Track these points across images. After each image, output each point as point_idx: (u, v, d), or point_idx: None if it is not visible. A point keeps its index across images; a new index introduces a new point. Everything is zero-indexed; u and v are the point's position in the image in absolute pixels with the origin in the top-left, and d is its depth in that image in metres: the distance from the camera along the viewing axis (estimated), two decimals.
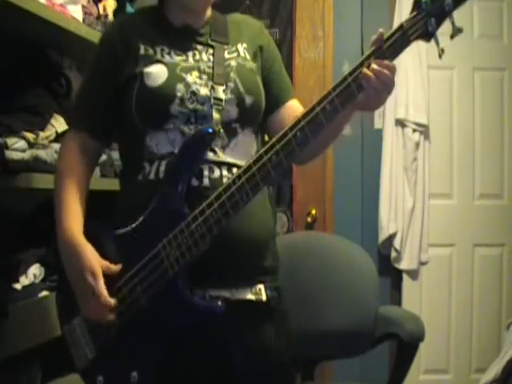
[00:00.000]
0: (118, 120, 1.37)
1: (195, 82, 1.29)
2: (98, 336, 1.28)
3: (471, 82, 3.17)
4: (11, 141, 1.53)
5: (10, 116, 1.63)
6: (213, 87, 1.29)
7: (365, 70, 1.17)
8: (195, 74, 1.31)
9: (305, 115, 1.19)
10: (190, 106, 1.28)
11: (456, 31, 1.18)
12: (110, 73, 1.35)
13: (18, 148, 1.54)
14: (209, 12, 1.43)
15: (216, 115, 1.28)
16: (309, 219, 3.04)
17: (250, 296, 1.30)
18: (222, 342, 1.27)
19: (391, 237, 3.02)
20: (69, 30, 1.78)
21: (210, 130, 1.24)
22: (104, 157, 2.06)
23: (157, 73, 1.29)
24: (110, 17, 2.17)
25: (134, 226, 1.26)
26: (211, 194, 1.21)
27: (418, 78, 3.02)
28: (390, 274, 3.11)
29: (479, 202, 3.20)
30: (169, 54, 1.33)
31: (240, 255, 1.27)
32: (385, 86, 1.18)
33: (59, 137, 1.78)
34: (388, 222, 3.01)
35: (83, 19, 1.97)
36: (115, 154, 2.12)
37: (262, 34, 1.47)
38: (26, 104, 1.72)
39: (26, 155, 1.56)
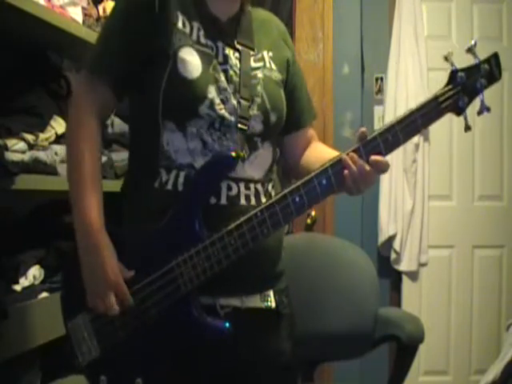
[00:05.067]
0: (135, 100, 1.30)
1: (226, 89, 1.25)
2: (105, 336, 1.26)
3: None
4: (11, 142, 1.53)
5: (10, 117, 1.63)
6: (239, 101, 1.26)
7: (346, 157, 1.22)
8: (224, 77, 1.26)
9: (333, 165, 1.21)
10: (219, 112, 1.24)
11: (484, 108, 1.23)
12: (142, 31, 1.24)
13: (17, 149, 1.54)
14: (236, 7, 1.35)
15: (240, 134, 1.26)
16: (308, 221, 3.04)
17: (260, 304, 1.30)
18: (232, 351, 1.26)
19: (391, 238, 3.02)
20: (69, 31, 1.77)
21: (235, 156, 1.21)
22: (104, 158, 2.06)
23: (191, 63, 1.22)
24: None
25: (149, 234, 1.23)
26: (228, 212, 1.21)
27: (417, 79, 3.02)
28: (390, 276, 3.11)
29: (479, 204, 3.21)
30: (204, 38, 1.26)
31: (252, 265, 1.25)
32: (364, 179, 1.22)
33: (59, 138, 1.78)
34: (388, 224, 3.02)
35: (83, 21, 1.97)
36: (115, 156, 2.12)
37: (286, 43, 1.44)
38: (26, 105, 1.72)
39: (26, 157, 1.56)
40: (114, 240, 1.24)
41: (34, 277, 1.67)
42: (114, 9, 1.32)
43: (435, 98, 1.21)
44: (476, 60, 1.23)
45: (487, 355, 2.91)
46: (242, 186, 1.26)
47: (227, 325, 1.21)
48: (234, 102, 1.26)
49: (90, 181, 1.23)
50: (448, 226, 3.18)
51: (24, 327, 1.54)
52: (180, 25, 1.25)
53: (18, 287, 1.60)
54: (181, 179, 1.24)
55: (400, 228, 3.01)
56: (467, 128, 1.24)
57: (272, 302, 1.31)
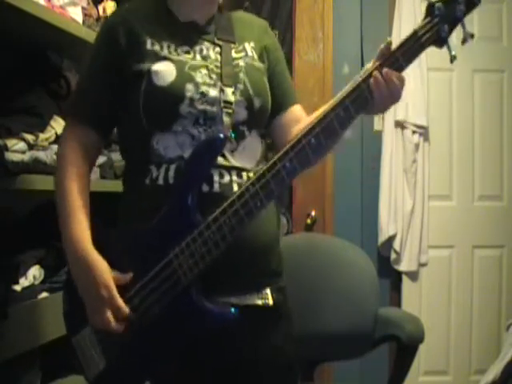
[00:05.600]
0: (120, 117, 1.34)
1: (204, 83, 1.27)
2: (109, 345, 1.26)
3: (471, 84, 3.17)
4: (11, 142, 1.53)
5: (10, 117, 1.63)
6: (222, 89, 1.27)
7: (376, 72, 1.17)
8: (204, 72, 1.28)
9: (319, 122, 1.17)
10: (200, 107, 1.26)
11: (468, 36, 1.19)
12: (112, 66, 1.30)
13: (17, 150, 1.54)
14: (214, 9, 1.40)
15: (226, 118, 1.26)
16: (308, 221, 3.04)
17: (258, 301, 1.30)
18: (236, 348, 1.27)
19: (391, 238, 3.02)
20: (69, 31, 1.77)
21: (222, 136, 1.21)
22: (104, 158, 2.06)
23: (165, 71, 1.25)
24: None
25: (143, 233, 1.24)
26: (221, 199, 1.20)
27: (417, 79, 3.02)
28: (390, 276, 3.11)
29: (479, 204, 3.21)
30: (176, 50, 1.29)
31: (246, 262, 1.26)
32: (391, 94, 1.18)
33: (59, 138, 1.78)
34: (388, 224, 3.02)
35: (83, 21, 1.97)
36: (115, 156, 2.12)
37: (267, 33, 1.45)
38: (26, 105, 1.72)
39: (26, 157, 1.56)
40: (108, 244, 1.24)
41: (34, 277, 1.67)
42: (90, 51, 1.39)
43: (414, 32, 1.17)
44: None
45: (487, 355, 2.91)
46: (234, 174, 1.26)
47: (233, 310, 1.20)
48: (216, 92, 1.27)
49: (77, 214, 1.26)
50: (448, 226, 3.18)
51: (24, 327, 1.54)
52: (149, 47, 1.28)
53: (18, 287, 1.60)
54: (171, 172, 1.25)
55: (400, 228, 3.01)
56: (453, 58, 1.19)
57: (269, 300, 1.31)
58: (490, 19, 3.17)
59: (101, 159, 2.05)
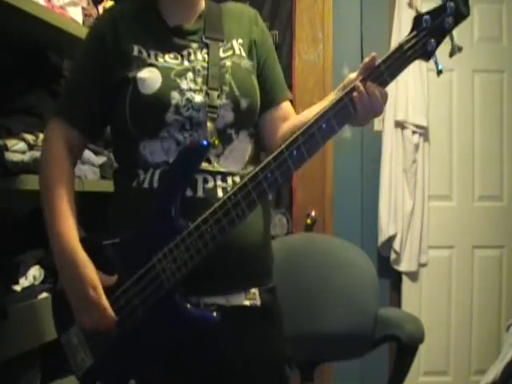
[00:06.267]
0: (108, 119, 1.35)
1: (190, 89, 1.27)
2: (95, 344, 1.28)
3: (471, 84, 3.17)
4: (11, 142, 1.53)
5: (10, 118, 1.63)
6: (207, 93, 1.27)
7: (359, 84, 1.16)
8: (190, 76, 1.28)
9: (302, 133, 1.17)
10: (186, 114, 1.26)
11: (456, 48, 1.17)
12: (99, 70, 1.31)
13: (17, 150, 1.55)
14: (202, 3, 1.39)
15: (210, 124, 1.26)
16: (308, 221, 3.04)
17: (245, 301, 1.29)
18: (219, 350, 1.27)
19: (391, 239, 3.02)
20: (68, 31, 1.78)
21: (205, 144, 1.22)
22: (104, 158, 2.06)
23: (150, 79, 1.25)
24: None
25: (128, 236, 1.24)
26: (205, 204, 1.20)
27: (417, 79, 3.02)
28: (390, 276, 3.11)
29: (479, 204, 3.21)
30: (163, 57, 1.29)
31: (233, 262, 1.26)
32: (373, 109, 1.18)
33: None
34: (388, 224, 3.02)
35: (83, 21, 1.97)
36: None
37: (255, 25, 1.43)
38: (26, 106, 1.72)
39: (26, 157, 1.56)
40: (94, 247, 1.25)
41: (34, 277, 1.67)
42: (78, 54, 1.40)
43: (400, 46, 1.16)
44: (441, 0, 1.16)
45: (487, 355, 2.91)
46: (218, 179, 1.26)
47: (214, 314, 1.21)
48: (201, 97, 1.27)
49: (62, 213, 1.26)
50: (448, 227, 3.18)
51: (24, 327, 1.54)
52: (136, 53, 1.29)
53: (17, 287, 1.60)
54: (156, 177, 1.26)
55: (400, 228, 3.01)
56: (438, 72, 1.17)
57: (257, 300, 1.30)
58: (490, 19, 3.17)
59: (101, 159, 2.05)
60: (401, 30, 2.97)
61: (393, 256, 3.04)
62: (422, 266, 3.10)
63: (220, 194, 1.24)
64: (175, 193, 1.22)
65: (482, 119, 3.18)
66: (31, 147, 1.61)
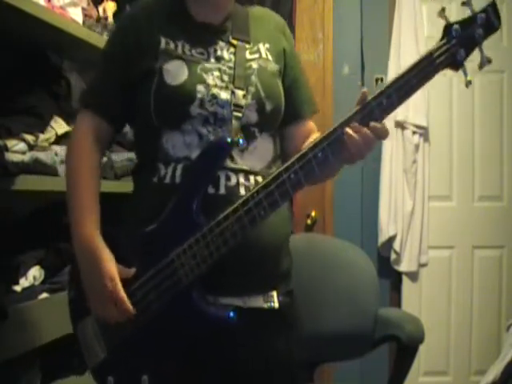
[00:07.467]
0: (132, 112, 1.34)
1: (216, 85, 1.27)
2: (110, 337, 1.27)
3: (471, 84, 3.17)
4: (11, 143, 1.53)
5: (10, 118, 1.63)
6: (233, 91, 1.27)
7: (348, 129, 1.17)
8: (216, 74, 1.28)
9: (327, 136, 1.18)
10: (210, 109, 1.26)
11: (484, 61, 1.15)
12: (128, 61, 1.31)
13: (17, 150, 1.55)
14: (231, 5, 1.40)
15: (235, 121, 1.26)
16: (308, 221, 3.04)
17: (263, 304, 1.29)
18: (237, 345, 1.26)
19: (391, 239, 3.02)
20: (68, 32, 1.78)
21: (229, 141, 1.22)
22: (104, 159, 2.06)
23: (177, 70, 1.26)
24: (110, 19, 2.17)
25: (148, 229, 1.24)
26: (227, 202, 1.20)
27: None
28: (390, 276, 3.11)
29: (479, 204, 3.20)
30: (190, 50, 1.30)
31: (254, 263, 1.25)
32: (368, 147, 1.22)
33: (59, 139, 1.78)
34: (388, 224, 3.02)
35: (83, 21, 1.98)
36: (115, 156, 2.12)
37: (284, 34, 1.44)
38: (26, 106, 1.72)
39: (26, 157, 1.57)
40: (114, 240, 1.25)
41: (34, 277, 1.67)
42: (105, 45, 1.41)
43: (429, 54, 1.15)
44: (472, 11, 1.16)
45: (487, 355, 2.91)
46: (241, 176, 1.26)
47: (231, 314, 1.21)
48: (227, 95, 1.27)
49: (86, 205, 1.28)
50: (448, 227, 3.18)
51: (24, 327, 1.54)
52: (163, 46, 1.29)
53: (18, 288, 1.60)
54: (178, 172, 1.25)
55: (400, 228, 3.01)
56: (468, 83, 1.16)
57: (275, 303, 1.30)
58: None
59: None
60: (401, 30, 2.98)
61: (393, 256, 3.04)
62: (422, 266, 3.10)
63: (242, 192, 1.24)
64: (198, 189, 1.22)
65: (482, 119, 3.18)
66: (31, 147, 1.61)
